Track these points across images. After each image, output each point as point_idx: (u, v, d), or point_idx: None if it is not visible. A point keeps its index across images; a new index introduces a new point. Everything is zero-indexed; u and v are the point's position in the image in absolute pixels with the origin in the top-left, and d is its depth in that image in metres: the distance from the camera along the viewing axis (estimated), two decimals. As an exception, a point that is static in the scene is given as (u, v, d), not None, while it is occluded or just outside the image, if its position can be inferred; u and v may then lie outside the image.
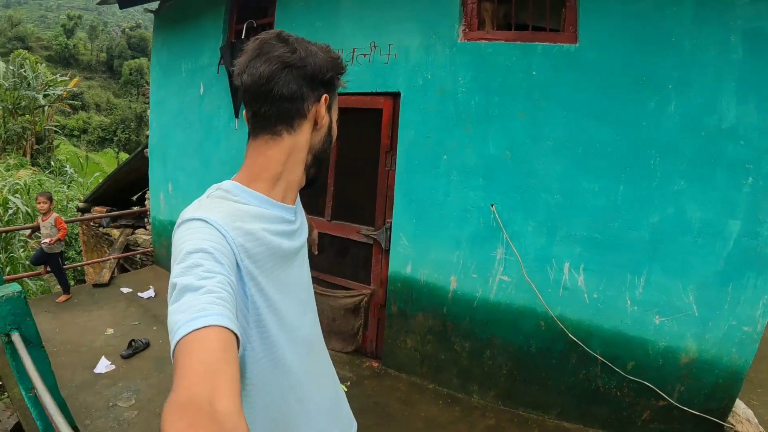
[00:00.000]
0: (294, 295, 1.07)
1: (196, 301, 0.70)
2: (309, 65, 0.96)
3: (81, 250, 9.86)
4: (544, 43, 3.00)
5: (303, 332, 1.09)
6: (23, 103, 29.25)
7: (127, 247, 7.20)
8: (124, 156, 37.29)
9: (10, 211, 9.18)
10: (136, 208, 8.06)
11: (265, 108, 0.96)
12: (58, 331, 4.68)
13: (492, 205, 3.27)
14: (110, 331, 4.69)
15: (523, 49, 3.07)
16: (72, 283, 11.75)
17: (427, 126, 3.48)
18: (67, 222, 5.85)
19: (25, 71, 29.66)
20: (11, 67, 29.67)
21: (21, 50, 42.89)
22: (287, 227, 1.05)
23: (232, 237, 0.87)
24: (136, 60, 65.16)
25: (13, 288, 2.36)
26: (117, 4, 5.52)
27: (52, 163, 22.95)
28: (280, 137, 0.99)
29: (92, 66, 72.37)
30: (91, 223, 8.86)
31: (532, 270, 3.18)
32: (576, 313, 3.10)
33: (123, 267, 7.29)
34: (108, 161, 33.07)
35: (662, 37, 2.66)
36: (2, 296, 2.31)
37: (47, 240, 5.26)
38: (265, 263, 0.95)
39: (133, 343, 4.31)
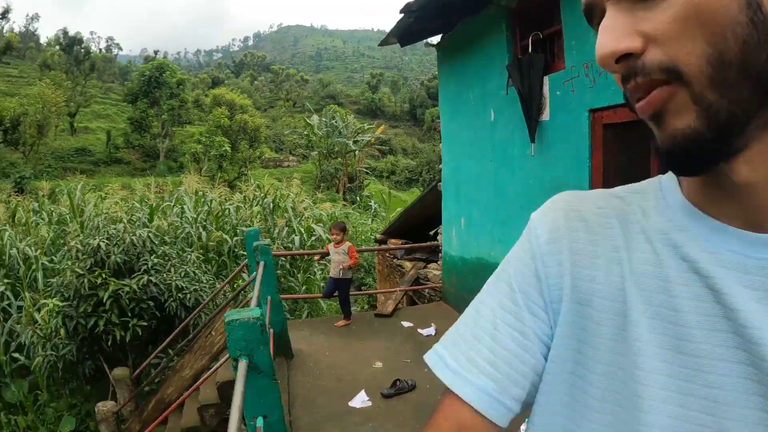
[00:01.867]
0: None
1: None
2: None
3: (377, 278, 10.65)
4: None
5: None
6: (336, 149, 34.94)
7: (417, 281, 7.25)
8: None
9: (313, 238, 10.43)
10: (431, 243, 8.16)
11: None
12: (327, 354, 4.72)
13: None
14: (379, 364, 4.52)
15: None
16: (360, 308, 12.93)
17: None
18: (363, 251, 6.11)
19: (336, 122, 35.51)
20: (324, 119, 35.89)
21: (332, 105, 51.70)
22: None
23: None
24: (437, 108, 70.58)
25: (253, 313, 2.18)
26: (400, 47, 5.57)
27: (358, 198, 26.49)
28: None
29: (397, 116, 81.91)
30: (387, 254, 9.41)
31: None
32: None
33: (411, 299, 7.35)
34: (412, 198, 36.55)
35: None
36: (237, 320, 2.13)
37: (339, 266, 5.51)
38: None
39: (397, 383, 3.99)
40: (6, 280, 7.32)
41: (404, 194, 40.04)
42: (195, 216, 8.98)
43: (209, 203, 9.70)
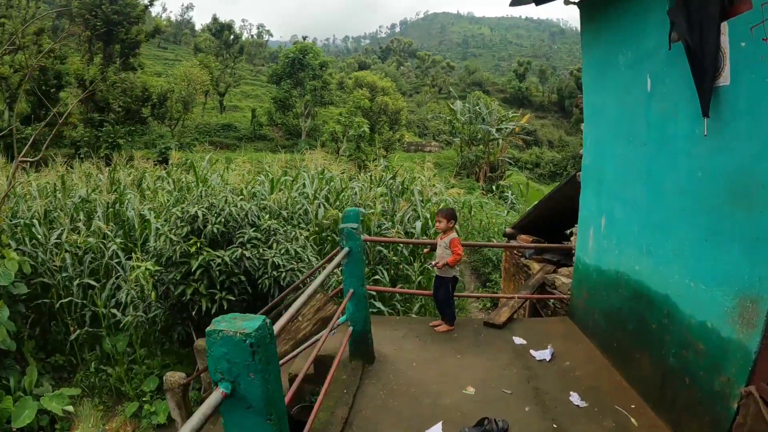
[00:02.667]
0: None
1: None
2: None
3: (501, 276, 9.60)
4: None
5: None
6: (478, 136, 33.69)
7: (542, 287, 6.21)
8: None
9: (433, 228, 9.65)
10: (566, 243, 7.03)
11: None
12: (414, 365, 3.97)
13: None
14: (471, 390, 3.68)
15: None
16: (482, 305, 11.82)
17: None
18: (476, 246, 5.26)
19: (479, 108, 34.17)
20: (467, 105, 34.71)
21: (477, 92, 50.14)
22: None
23: None
24: None
25: (245, 326, 1.58)
26: (535, 5, 4.53)
27: (494, 187, 25.08)
28: None
29: (544, 106, 78.94)
30: (515, 252, 8.38)
31: None
32: None
33: (534, 308, 6.33)
34: (553, 193, 34.34)
35: None
36: (220, 332, 1.55)
37: (437, 261, 4.75)
38: None
39: (486, 423, 3.13)
40: (119, 240, 7.71)
41: (547, 188, 37.61)
42: (313, 192, 8.78)
43: (329, 180, 9.46)
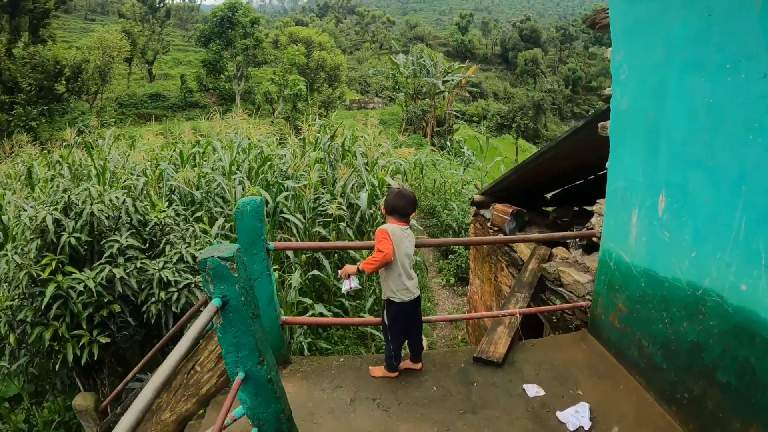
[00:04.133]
0: None
1: None
2: None
3: (469, 265, 7.97)
4: None
5: None
6: (424, 89, 31.93)
7: (541, 282, 4.59)
8: (523, 143, 37.70)
9: (382, 198, 7.87)
10: (583, 231, 5.44)
11: None
12: None
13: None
14: None
15: None
16: (444, 281, 10.12)
17: None
18: (461, 244, 3.53)
19: (424, 60, 32.31)
20: (410, 58, 32.85)
21: (420, 45, 48.55)
22: None
23: None
24: (530, 51, 68.34)
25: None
26: None
27: (447, 143, 23.41)
28: None
29: (488, 59, 78.78)
30: (488, 226, 6.75)
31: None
32: None
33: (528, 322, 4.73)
34: (506, 146, 33.38)
35: None
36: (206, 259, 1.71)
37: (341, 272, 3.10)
38: None
39: None
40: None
41: (496, 141, 36.65)
42: (229, 165, 6.74)
43: (248, 149, 7.40)
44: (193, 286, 4.09)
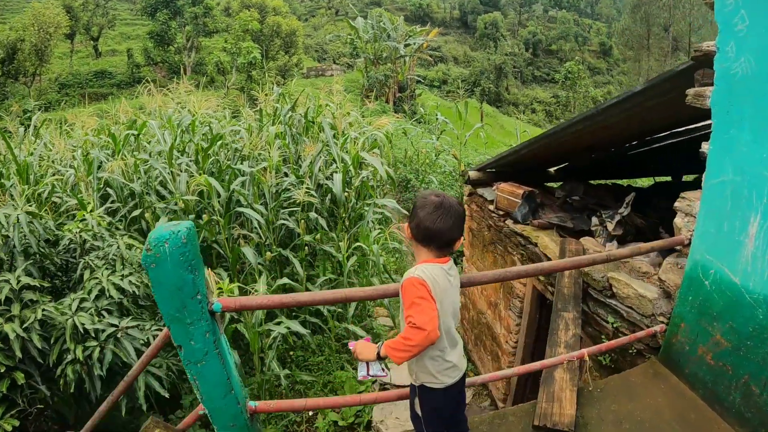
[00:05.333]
0: None
1: None
2: None
3: (465, 244, 6.92)
4: None
5: None
6: (384, 54, 30.45)
7: (585, 294, 3.55)
8: (488, 108, 36.72)
9: (365, 174, 6.67)
10: (669, 239, 4.38)
11: None
12: None
13: None
14: None
15: None
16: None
17: None
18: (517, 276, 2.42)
19: (384, 24, 30.78)
20: (369, 22, 31.28)
21: (378, 9, 46.74)
22: None
23: None
24: (490, 14, 66.97)
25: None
26: None
27: (416, 110, 22.21)
28: None
29: (447, 22, 77.07)
30: (491, 209, 5.69)
31: None
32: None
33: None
34: (470, 111, 32.45)
35: None
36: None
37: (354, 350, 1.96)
38: None
39: None
40: None
41: (459, 105, 35.59)
42: (169, 150, 5.38)
43: (190, 126, 6.01)
44: (120, 335, 2.86)
